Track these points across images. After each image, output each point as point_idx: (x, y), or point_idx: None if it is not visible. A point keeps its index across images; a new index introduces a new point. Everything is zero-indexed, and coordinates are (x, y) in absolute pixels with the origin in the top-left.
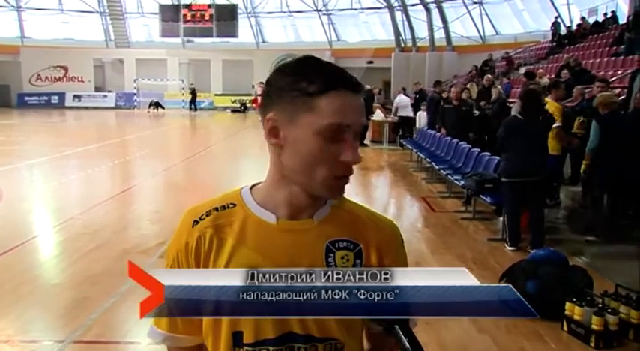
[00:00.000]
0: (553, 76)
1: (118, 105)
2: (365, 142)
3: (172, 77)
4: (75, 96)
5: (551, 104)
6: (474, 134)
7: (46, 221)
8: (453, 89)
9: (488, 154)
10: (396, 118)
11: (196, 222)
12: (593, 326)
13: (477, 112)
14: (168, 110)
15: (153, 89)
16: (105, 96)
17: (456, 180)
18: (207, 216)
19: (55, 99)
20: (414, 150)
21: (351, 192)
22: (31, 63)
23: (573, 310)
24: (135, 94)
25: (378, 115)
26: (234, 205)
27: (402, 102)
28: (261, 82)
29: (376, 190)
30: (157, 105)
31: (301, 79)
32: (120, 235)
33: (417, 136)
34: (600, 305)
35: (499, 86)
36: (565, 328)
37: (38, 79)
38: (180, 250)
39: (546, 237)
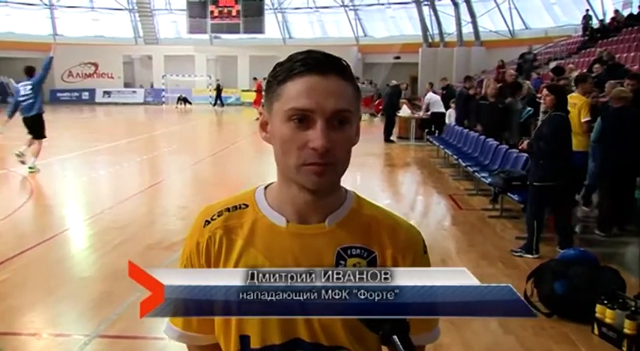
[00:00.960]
0: (585, 70)
1: (146, 101)
2: (392, 138)
3: (200, 73)
4: (105, 92)
5: (578, 98)
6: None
7: (76, 215)
8: (491, 85)
9: (516, 151)
10: (426, 115)
11: (208, 222)
12: (626, 330)
13: (531, 110)
14: (196, 106)
15: (181, 85)
16: (134, 92)
17: (483, 177)
18: (218, 216)
19: (85, 95)
20: (441, 146)
21: (377, 188)
22: (62, 60)
23: (604, 312)
24: (163, 90)
25: (405, 111)
26: (247, 206)
27: (433, 98)
28: (255, 78)
29: (402, 187)
30: (184, 101)
31: (278, 71)
32: (147, 230)
33: (445, 132)
34: (633, 308)
35: (528, 82)
36: (596, 331)
37: (70, 75)
38: (192, 250)
39: (577, 237)
